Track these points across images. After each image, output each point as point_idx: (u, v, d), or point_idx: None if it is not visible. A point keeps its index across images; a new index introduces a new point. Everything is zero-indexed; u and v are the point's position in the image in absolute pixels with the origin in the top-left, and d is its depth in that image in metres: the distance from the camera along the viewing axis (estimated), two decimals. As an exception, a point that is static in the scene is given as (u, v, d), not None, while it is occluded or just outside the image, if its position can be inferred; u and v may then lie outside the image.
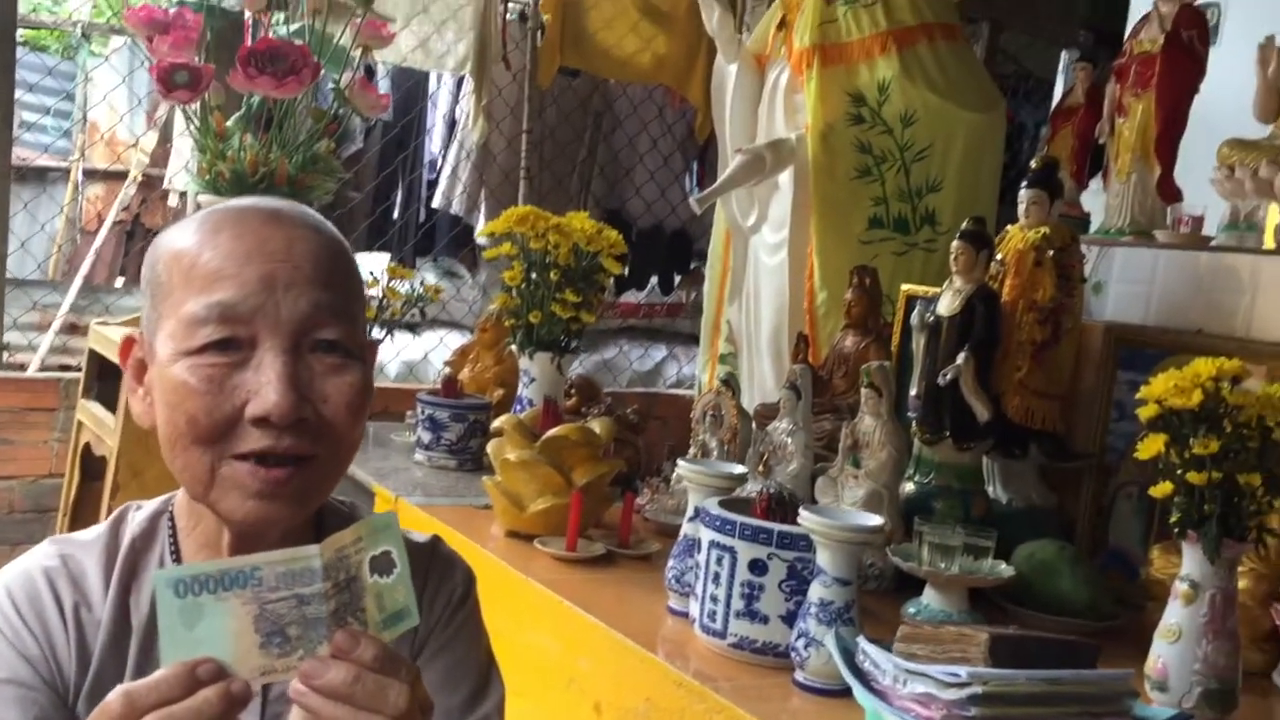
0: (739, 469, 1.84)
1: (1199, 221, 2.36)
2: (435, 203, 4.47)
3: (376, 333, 3.06)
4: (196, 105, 3.00)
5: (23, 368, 5.42)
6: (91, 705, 0.94)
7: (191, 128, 3.11)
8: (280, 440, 0.93)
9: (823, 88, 2.86)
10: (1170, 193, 2.52)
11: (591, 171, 4.54)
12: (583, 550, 2.01)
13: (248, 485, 0.93)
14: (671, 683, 1.55)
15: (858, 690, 1.34)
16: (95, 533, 1.04)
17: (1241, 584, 1.86)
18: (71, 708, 0.95)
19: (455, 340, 4.52)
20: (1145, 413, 1.56)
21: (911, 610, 1.91)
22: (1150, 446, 1.55)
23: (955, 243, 2.15)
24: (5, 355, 4.75)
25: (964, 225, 2.17)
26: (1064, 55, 5.37)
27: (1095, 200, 3.03)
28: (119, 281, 6.56)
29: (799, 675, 1.51)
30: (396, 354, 4.58)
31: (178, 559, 1.02)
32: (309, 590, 0.75)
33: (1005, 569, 1.91)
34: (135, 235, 6.63)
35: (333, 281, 0.97)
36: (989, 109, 2.85)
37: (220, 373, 0.92)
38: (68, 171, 6.51)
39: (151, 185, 6.49)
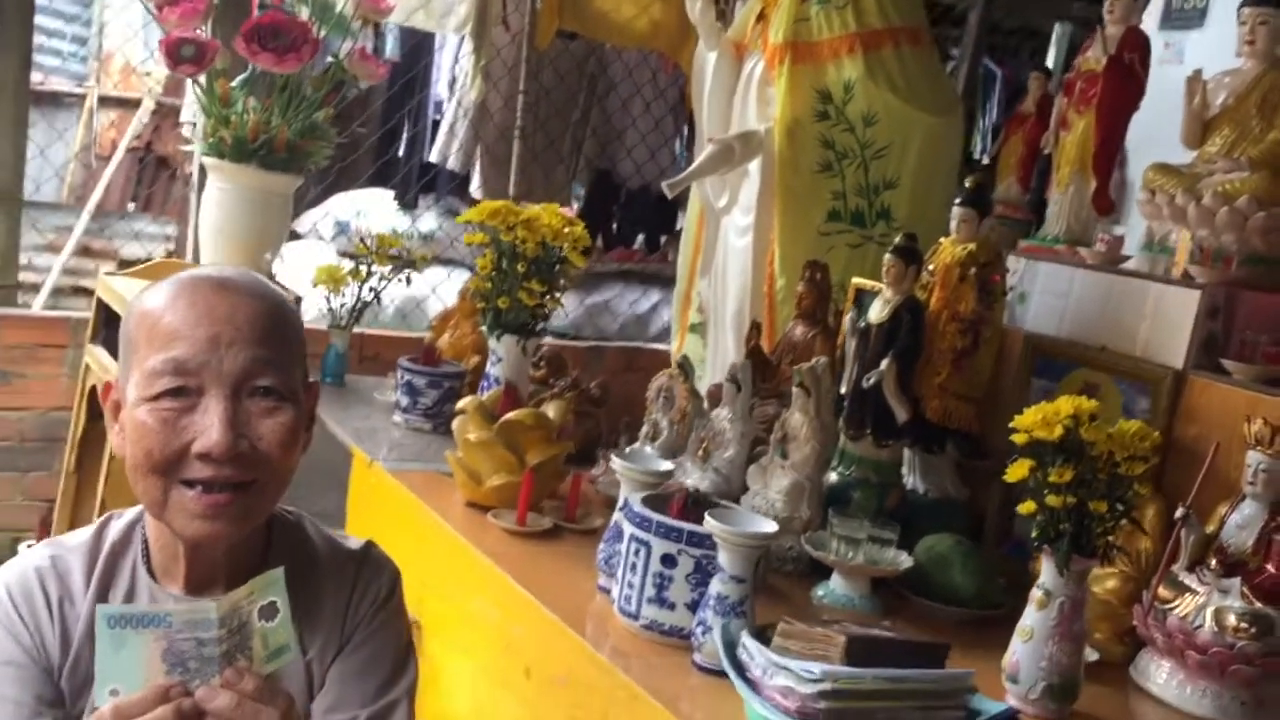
0: (666, 465, 2.05)
1: (1118, 242, 2.53)
2: (432, 157, 4.65)
3: (366, 295, 3.27)
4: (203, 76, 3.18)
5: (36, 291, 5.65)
6: (72, 680, 1.18)
7: (197, 90, 3.29)
8: (221, 470, 1.15)
9: (792, 83, 3.02)
10: (1104, 205, 2.69)
11: (584, 132, 4.70)
12: (532, 524, 2.24)
13: (192, 508, 1.15)
14: (587, 658, 1.78)
15: (734, 678, 1.57)
16: (82, 537, 1.26)
17: (1110, 584, 2.09)
18: (56, 683, 1.18)
19: (460, 278, 4.70)
20: (1017, 439, 1.76)
21: (820, 593, 2.14)
22: (1017, 470, 1.76)
23: (887, 256, 2.34)
24: (19, 294, 4.96)
25: (897, 240, 2.35)
26: (1057, 26, 5.47)
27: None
28: (130, 207, 6.76)
29: (697, 657, 1.74)
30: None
31: (149, 562, 1.24)
32: (206, 635, 0.97)
33: (904, 561, 2.13)
34: (148, 163, 6.80)
35: (269, 339, 1.19)
36: (945, 113, 3.01)
37: (173, 415, 1.14)
38: (83, 97, 6.67)
39: (164, 113, 6.65)
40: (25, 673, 1.17)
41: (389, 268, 3.19)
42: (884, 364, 2.30)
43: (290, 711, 1.02)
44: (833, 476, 2.38)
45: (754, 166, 3.13)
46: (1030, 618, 1.78)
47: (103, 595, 1.22)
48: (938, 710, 1.56)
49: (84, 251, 6.46)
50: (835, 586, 2.13)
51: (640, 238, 4.98)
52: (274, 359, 1.19)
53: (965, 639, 2.00)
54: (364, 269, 3.19)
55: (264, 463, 1.18)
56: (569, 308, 5.54)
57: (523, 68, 4.35)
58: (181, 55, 3.05)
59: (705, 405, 2.66)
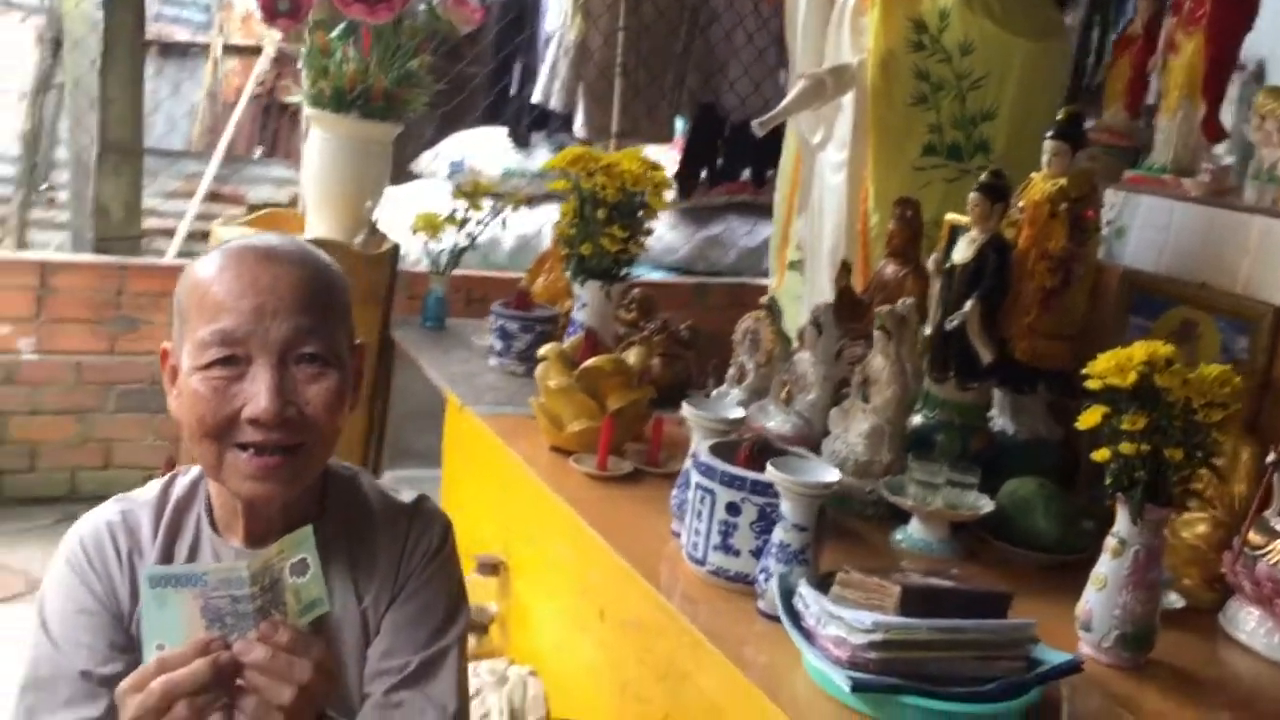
0: (737, 413, 2.05)
1: (1224, 171, 2.41)
2: (535, 98, 4.66)
3: (463, 241, 3.33)
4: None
5: (168, 236, 5.89)
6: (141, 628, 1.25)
7: (299, 47, 3.36)
8: (270, 435, 1.20)
9: (886, 13, 2.94)
10: (1214, 132, 2.56)
11: (687, 66, 4.65)
12: (612, 469, 2.27)
13: (244, 470, 1.21)
14: (654, 602, 1.81)
15: (788, 627, 1.58)
16: (151, 493, 1.33)
17: (1200, 529, 2.03)
18: (127, 629, 1.26)
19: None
20: (1091, 385, 1.71)
21: (899, 537, 2.13)
22: (1090, 417, 1.71)
23: (971, 194, 2.27)
24: (154, 240, 5.19)
25: (982, 177, 2.29)
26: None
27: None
28: (256, 152, 6.97)
29: (760, 604, 1.75)
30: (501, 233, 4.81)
31: (211, 517, 1.31)
32: (239, 593, 1.02)
33: (984, 505, 2.10)
34: (271, 109, 6.99)
35: (311, 307, 1.22)
36: (1046, 37, 2.89)
37: (223, 383, 1.19)
38: (207, 47, 6.88)
39: (285, 60, 6.81)
40: (98, 620, 1.24)
41: (485, 212, 3.24)
42: (967, 305, 2.25)
43: (325, 661, 1.06)
44: (917, 419, 2.34)
45: (848, 100, 3.07)
46: (1104, 566, 1.75)
47: (169, 548, 1.29)
48: (996, 660, 1.54)
49: (213, 197, 6.71)
50: (914, 531, 2.12)
51: (746, 172, 4.93)
52: (317, 327, 1.22)
53: (1046, 584, 1.98)
54: (460, 215, 3.24)
55: (311, 426, 1.22)
56: (681, 242, 5.55)
57: (622, 4, 4.32)
58: (278, 9, 3.12)
59: (794, 346, 2.65)
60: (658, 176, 2.53)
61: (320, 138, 3.30)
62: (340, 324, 1.27)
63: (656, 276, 5.71)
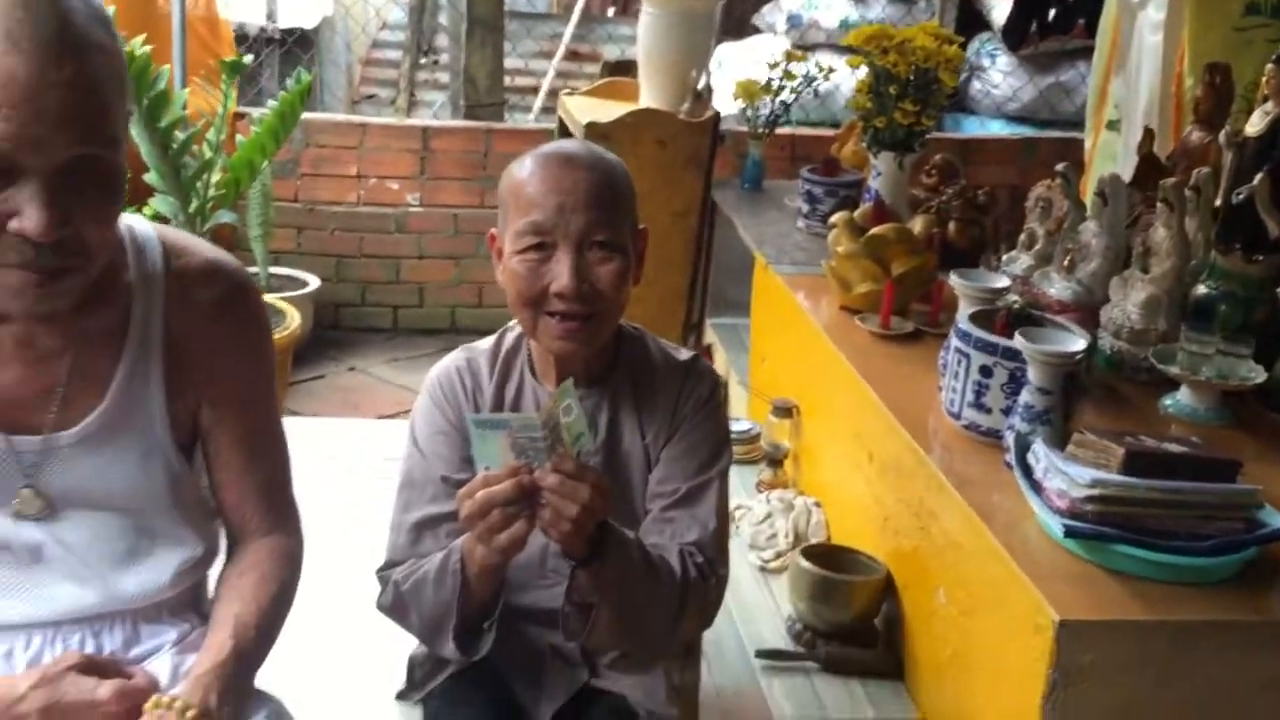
0: (1001, 282, 2.21)
1: None
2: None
3: (778, 109, 3.55)
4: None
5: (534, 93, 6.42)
6: None
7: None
8: (570, 305, 1.52)
9: None
10: None
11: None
12: (894, 328, 2.49)
13: (553, 332, 1.55)
14: (911, 450, 2.06)
15: (1018, 476, 1.78)
16: (488, 343, 1.71)
17: None
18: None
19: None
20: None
21: (1167, 403, 2.24)
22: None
23: (1269, 66, 2.25)
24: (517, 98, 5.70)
25: (1281, 48, 2.26)
26: None
27: None
28: (610, 12, 7.36)
29: (1007, 457, 1.95)
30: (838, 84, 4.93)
31: (532, 366, 1.67)
32: (534, 434, 1.35)
33: (1255, 376, 2.17)
34: (621, -31, 7.32)
35: (601, 203, 1.52)
36: (1396, -118, 2.70)
37: (534, 264, 1.53)
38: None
39: (636, -80, 7.10)
40: (452, 439, 1.64)
41: (798, 80, 3.43)
42: (1257, 179, 2.26)
43: (600, 484, 1.39)
44: (1200, 289, 2.39)
45: (1170, -44, 3.00)
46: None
47: (500, 388, 1.67)
48: (1215, 520, 1.68)
49: (572, 56, 7.20)
50: (1182, 398, 2.22)
51: (1080, 22, 4.79)
52: (606, 219, 1.53)
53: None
54: (775, 83, 3.46)
55: (601, 298, 1.54)
56: (1021, 89, 5.48)
57: None
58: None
59: (1088, 214, 2.72)
60: (950, 52, 2.63)
61: (648, 12, 3.58)
62: (626, 216, 1.57)
63: (995, 127, 5.67)
